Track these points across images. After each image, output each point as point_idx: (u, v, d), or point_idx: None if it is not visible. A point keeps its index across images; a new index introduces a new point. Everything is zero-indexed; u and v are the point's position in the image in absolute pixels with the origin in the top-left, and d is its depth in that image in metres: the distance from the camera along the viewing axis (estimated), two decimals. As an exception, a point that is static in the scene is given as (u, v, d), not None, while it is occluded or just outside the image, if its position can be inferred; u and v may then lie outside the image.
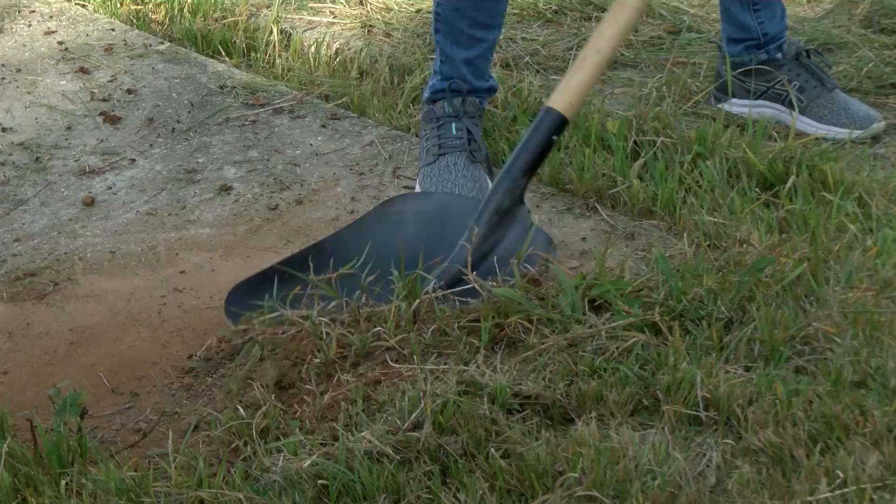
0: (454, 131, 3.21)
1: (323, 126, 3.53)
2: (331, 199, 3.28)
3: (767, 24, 3.59)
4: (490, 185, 3.04)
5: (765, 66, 3.60)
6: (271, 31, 3.92)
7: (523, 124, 3.39)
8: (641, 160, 3.29)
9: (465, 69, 3.31)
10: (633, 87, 3.77)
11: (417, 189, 3.23)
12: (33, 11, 3.98)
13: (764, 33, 3.60)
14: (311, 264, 2.85)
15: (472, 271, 2.79)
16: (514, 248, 2.89)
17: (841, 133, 3.48)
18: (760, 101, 3.62)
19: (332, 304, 2.76)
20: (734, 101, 3.65)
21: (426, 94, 3.37)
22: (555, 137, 2.96)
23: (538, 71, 3.85)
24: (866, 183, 3.20)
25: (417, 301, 2.73)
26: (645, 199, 3.19)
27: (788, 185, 3.20)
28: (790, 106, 3.57)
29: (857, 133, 3.43)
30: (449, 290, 2.79)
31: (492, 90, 3.38)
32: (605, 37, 2.98)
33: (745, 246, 2.96)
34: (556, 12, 4.22)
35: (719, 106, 3.67)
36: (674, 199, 3.16)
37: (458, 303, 2.75)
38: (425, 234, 2.99)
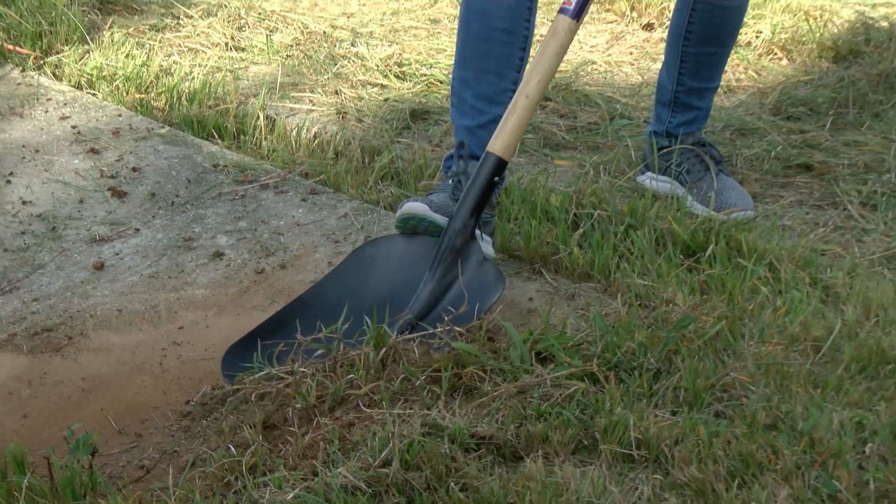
0: (450, 182, 3.19)
1: (303, 200, 3.53)
2: (310, 264, 3.27)
3: (681, 125, 3.62)
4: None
5: (669, 151, 3.63)
6: (258, 117, 3.92)
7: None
8: (580, 230, 3.29)
9: (469, 137, 3.27)
10: (574, 165, 3.78)
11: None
12: (49, 99, 3.98)
13: (674, 130, 3.63)
14: (296, 318, 2.86)
15: (436, 306, 2.81)
16: (471, 278, 2.90)
17: (708, 212, 3.48)
18: (663, 177, 3.64)
19: (317, 353, 2.77)
20: (648, 175, 3.68)
21: (443, 163, 3.37)
22: (496, 178, 2.97)
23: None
24: (776, 250, 3.21)
25: (384, 350, 2.73)
26: (584, 264, 3.19)
27: (708, 252, 3.21)
28: (683, 183, 3.60)
29: (723, 217, 3.43)
30: (412, 336, 2.80)
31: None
32: (531, 83, 3.00)
33: (670, 305, 2.97)
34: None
35: (637, 179, 3.70)
36: (609, 265, 3.17)
37: (420, 341, 2.77)
38: (394, 274, 3.00)
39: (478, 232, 3.05)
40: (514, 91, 3.22)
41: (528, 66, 3.04)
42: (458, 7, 3.30)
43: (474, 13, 3.22)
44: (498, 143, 2.98)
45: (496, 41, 3.21)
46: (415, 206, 3.05)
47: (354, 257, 3.10)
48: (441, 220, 3.02)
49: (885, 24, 4.60)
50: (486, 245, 3.17)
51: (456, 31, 3.31)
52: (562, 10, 3.02)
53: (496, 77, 3.24)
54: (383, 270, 3.02)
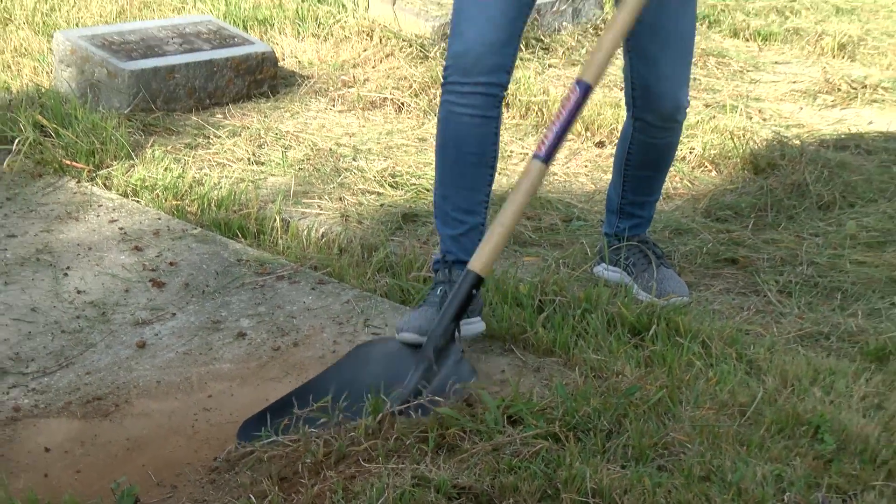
0: (438, 293, 3.22)
1: (312, 289, 3.54)
2: (318, 342, 3.28)
3: (626, 230, 3.64)
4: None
5: (618, 247, 3.65)
6: (275, 220, 3.93)
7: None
8: (545, 314, 3.30)
9: (452, 244, 3.27)
10: (539, 260, 3.80)
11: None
12: (100, 206, 3.99)
13: (620, 232, 3.66)
14: (301, 400, 2.88)
15: (420, 395, 2.82)
16: (450, 374, 2.91)
17: (651, 298, 3.50)
18: (614, 268, 3.66)
19: (319, 422, 2.78)
20: (601, 266, 3.70)
21: (432, 265, 3.36)
22: (474, 292, 2.99)
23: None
24: (708, 330, 3.22)
25: (381, 414, 2.75)
26: (547, 342, 3.20)
27: (651, 332, 3.22)
28: (630, 273, 3.62)
29: (663, 303, 3.43)
30: (404, 406, 2.81)
31: None
32: (506, 215, 3.02)
33: (620, 377, 2.98)
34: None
35: (593, 270, 3.71)
36: (568, 342, 3.18)
37: (411, 414, 2.78)
38: (386, 369, 3.01)
39: (464, 322, 3.09)
40: (487, 202, 3.26)
41: (505, 203, 3.05)
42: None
43: (449, 141, 3.25)
44: (477, 263, 3.01)
45: (469, 163, 3.24)
46: (412, 338, 3.07)
47: (353, 354, 3.12)
48: None
49: (797, 141, 4.65)
50: (476, 325, 3.18)
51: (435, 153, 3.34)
52: (535, 156, 3.04)
53: (470, 192, 3.26)
54: (377, 366, 3.02)
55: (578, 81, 3.03)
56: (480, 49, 3.13)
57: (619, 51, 3.25)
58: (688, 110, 3.49)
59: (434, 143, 3.30)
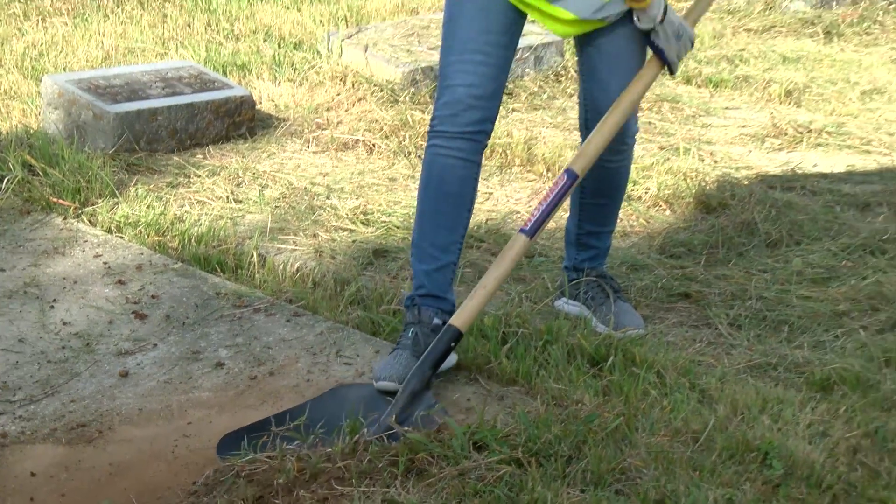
0: (410, 335, 3.23)
1: (288, 321, 3.54)
2: (293, 372, 3.28)
3: (585, 261, 3.66)
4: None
5: (578, 281, 3.67)
6: (252, 255, 3.93)
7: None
8: (508, 345, 3.32)
9: (425, 278, 3.29)
10: (503, 294, 3.81)
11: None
12: (86, 241, 3.98)
13: (580, 265, 3.67)
14: (279, 422, 2.89)
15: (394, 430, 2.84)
16: (421, 420, 2.93)
17: (608, 330, 3.51)
18: (574, 302, 3.68)
19: (296, 443, 2.79)
20: (562, 300, 3.71)
21: (405, 302, 3.37)
22: (452, 344, 3.02)
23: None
24: (662, 361, 3.24)
25: (357, 435, 2.75)
26: (511, 372, 3.21)
27: (609, 362, 3.24)
28: (589, 307, 3.63)
29: (620, 335, 3.45)
30: (379, 434, 2.82)
31: (450, 304, 3.29)
32: (490, 279, 3.10)
33: (579, 405, 2.99)
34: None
35: (554, 304, 3.73)
36: (531, 372, 3.19)
37: (385, 441, 2.79)
38: (363, 409, 3.00)
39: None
40: (461, 244, 3.31)
41: (490, 268, 3.12)
42: (417, 169, 3.36)
43: (433, 180, 3.28)
44: (459, 320, 3.06)
45: (450, 203, 3.28)
46: (390, 386, 3.08)
47: (331, 393, 3.13)
48: None
49: (746, 183, 4.69)
50: (450, 358, 3.18)
51: (416, 188, 3.37)
52: (521, 230, 3.16)
53: (448, 232, 3.29)
54: (354, 405, 3.02)
55: (567, 170, 3.17)
56: (469, 101, 3.21)
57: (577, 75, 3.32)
58: (643, 153, 3.52)
59: (403, 183, 3.32)
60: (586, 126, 3.45)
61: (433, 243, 3.28)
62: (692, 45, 3.29)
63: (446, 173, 3.27)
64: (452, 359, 3.21)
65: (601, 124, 3.24)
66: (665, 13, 3.21)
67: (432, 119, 3.28)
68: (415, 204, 3.38)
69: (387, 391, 3.08)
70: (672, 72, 3.30)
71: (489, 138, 3.31)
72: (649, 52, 3.30)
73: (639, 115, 3.55)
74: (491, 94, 3.24)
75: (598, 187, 3.56)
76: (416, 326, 3.22)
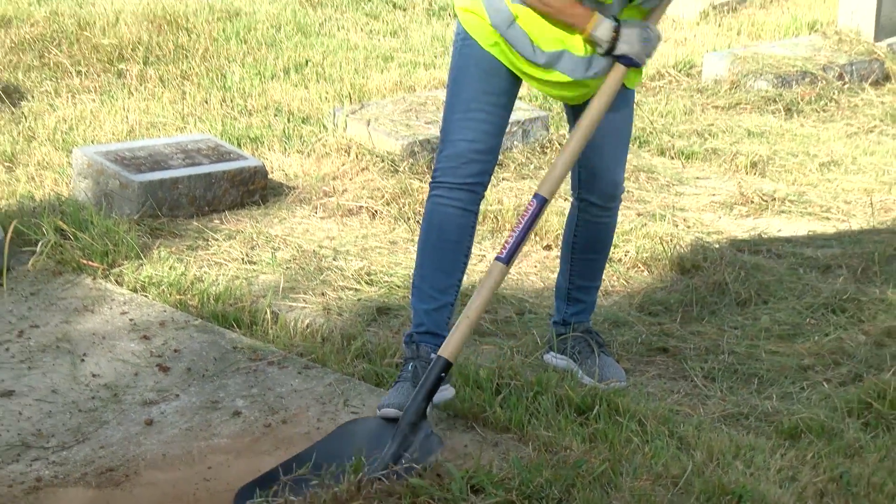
0: (409, 368, 3.24)
1: (299, 373, 3.55)
2: (304, 420, 3.28)
3: (573, 315, 3.67)
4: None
5: (565, 336, 3.68)
6: (266, 312, 3.93)
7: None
8: (501, 395, 3.32)
9: (424, 316, 3.32)
10: (496, 348, 3.81)
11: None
12: (113, 300, 3.99)
13: (569, 318, 3.69)
14: (290, 470, 2.89)
15: (397, 461, 2.84)
16: (419, 446, 2.92)
17: (594, 382, 3.51)
18: (561, 356, 3.68)
19: (309, 483, 2.79)
20: (550, 354, 3.72)
21: (404, 338, 3.40)
22: (442, 375, 3.03)
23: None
24: (643, 411, 3.25)
25: (360, 474, 2.74)
26: (504, 420, 3.21)
27: (594, 412, 3.25)
28: (575, 360, 3.64)
29: (604, 386, 3.46)
30: (383, 472, 2.82)
31: None
32: (472, 309, 3.09)
33: (568, 451, 2.99)
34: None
35: (543, 358, 3.73)
36: (522, 421, 3.19)
37: (386, 480, 2.79)
38: (367, 442, 3.01)
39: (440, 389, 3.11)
40: (458, 287, 3.33)
41: (471, 298, 3.14)
42: (416, 233, 3.38)
43: (434, 227, 3.33)
44: (447, 351, 3.08)
45: (448, 249, 3.32)
46: (392, 412, 3.10)
47: (338, 430, 3.13)
48: None
49: (717, 246, 4.71)
50: (447, 392, 3.19)
51: (416, 243, 3.40)
52: (497, 258, 3.16)
53: (446, 275, 3.33)
54: (359, 439, 3.03)
55: (536, 195, 3.14)
56: (469, 156, 3.27)
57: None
58: (622, 218, 3.55)
59: (403, 246, 3.34)
60: (581, 186, 3.51)
61: (432, 285, 3.32)
62: (659, 40, 3.26)
63: (446, 222, 3.31)
64: (450, 392, 3.22)
65: (565, 146, 3.24)
66: (618, 33, 3.14)
67: (434, 171, 3.33)
68: (414, 266, 3.41)
69: (390, 417, 3.10)
70: (638, 66, 3.24)
71: (486, 190, 3.36)
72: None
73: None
74: (490, 150, 3.30)
75: (587, 243, 3.60)
76: (415, 361, 3.26)
